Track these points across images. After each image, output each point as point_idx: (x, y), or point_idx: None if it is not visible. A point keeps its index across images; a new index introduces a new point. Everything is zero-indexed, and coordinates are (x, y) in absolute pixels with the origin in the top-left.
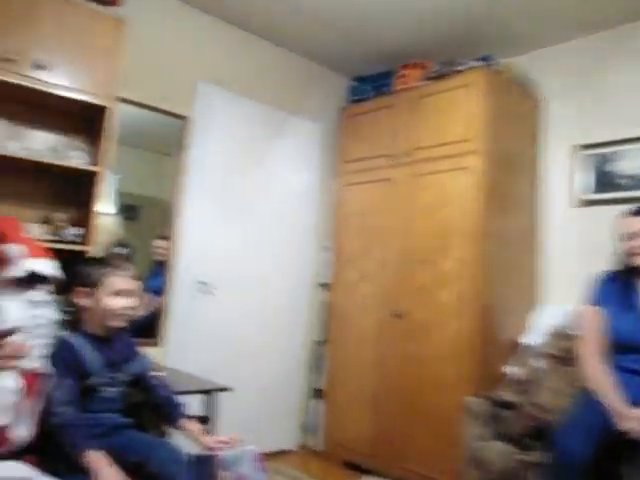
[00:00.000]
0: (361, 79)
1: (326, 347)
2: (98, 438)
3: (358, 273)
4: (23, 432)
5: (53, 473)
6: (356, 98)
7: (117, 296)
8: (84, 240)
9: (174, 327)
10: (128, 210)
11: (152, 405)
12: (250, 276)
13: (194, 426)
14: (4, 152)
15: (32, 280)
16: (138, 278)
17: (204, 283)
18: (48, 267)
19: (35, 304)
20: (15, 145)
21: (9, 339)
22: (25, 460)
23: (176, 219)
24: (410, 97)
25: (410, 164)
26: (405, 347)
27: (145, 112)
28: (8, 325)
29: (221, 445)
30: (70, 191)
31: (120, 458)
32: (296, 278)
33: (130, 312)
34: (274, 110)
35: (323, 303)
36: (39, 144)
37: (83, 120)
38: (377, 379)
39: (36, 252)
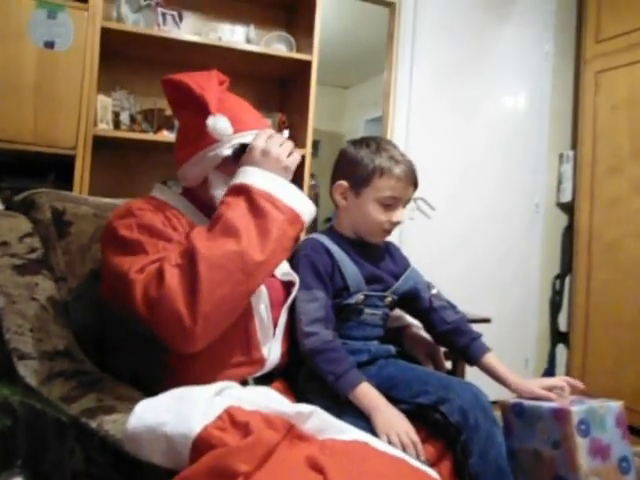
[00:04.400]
0: None
1: (572, 282)
2: (363, 369)
3: (627, 184)
4: (275, 351)
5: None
6: None
7: (386, 205)
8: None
9: None
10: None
11: (438, 333)
12: (472, 196)
13: (503, 366)
14: (206, 41)
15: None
16: (414, 178)
17: (423, 200)
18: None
19: None
20: (213, 37)
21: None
22: (273, 386)
23: (385, 127)
24: None
25: None
26: None
27: (330, 38)
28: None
29: (550, 395)
30: (274, 95)
31: (393, 396)
32: (527, 197)
33: (395, 228)
34: None
35: (564, 228)
36: (237, 37)
37: (280, 10)
38: None
39: (249, 123)
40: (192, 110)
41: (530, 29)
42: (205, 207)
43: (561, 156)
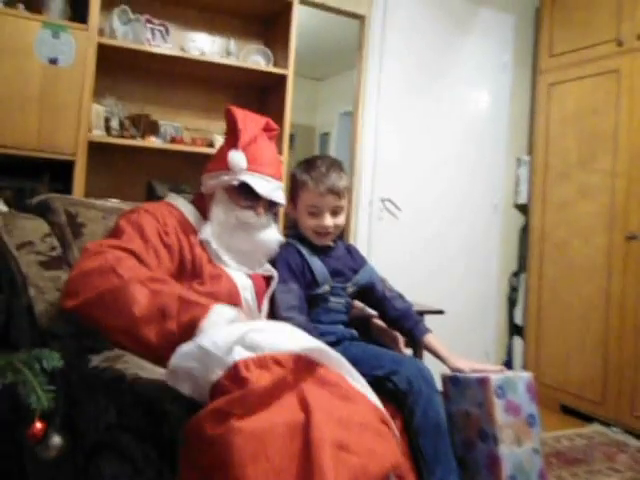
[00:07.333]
0: None
1: (526, 279)
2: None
3: (575, 188)
4: None
5: None
6: None
7: (312, 213)
8: None
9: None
10: None
11: (389, 319)
12: (436, 197)
13: (441, 345)
14: (189, 56)
15: (249, 194)
16: (344, 190)
17: (389, 201)
18: (263, 186)
19: (242, 225)
20: (192, 46)
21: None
22: None
23: (355, 133)
24: None
25: None
26: None
27: (304, 34)
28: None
29: (477, 369)
30: (252, 103)
31: (358, 370)
32: (487, 199)
33: (331, 231)
34: (460, 2)
35: (521, 228)
36: (218, 49)
37: (259, 23)
38: (605, 316)
39: (262, 168)
40: (231, 136)
41: (491, 41)
42: (206, 213)
43: (518, 160)
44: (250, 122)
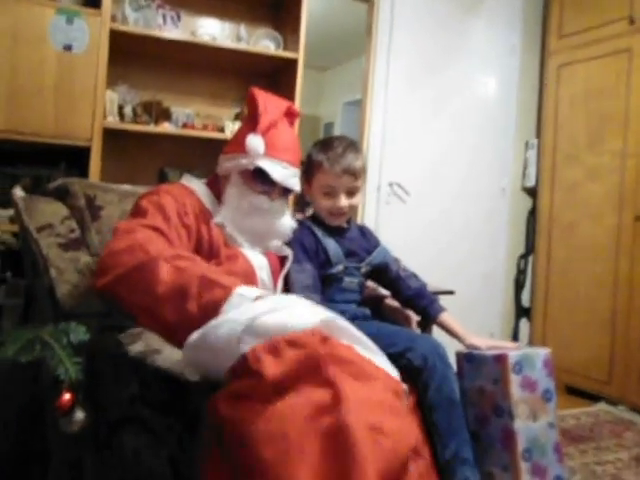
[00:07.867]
0: None
1: (534, 260)
2: None
3: (583, 170)
4: None
5: None
6: None
7: (327, 194)
8: None
9: None
10: None
11: (403, 298)
12: (444, 181)
13: (456, 323)
14: (200, 41)
15: (265, 179)
16: (361, 170)
17: (398, 185)
18: (279, 172)
19: (256, 211)
20: (202, 32)
21: None
22: None
23: (364, 117)
24: None
25: None
26: None
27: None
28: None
29: (494, 346)
30: (262, 87)
31: None
32: (494, 182)
33: (346, 212)
34: None
35: (529, 211)
36: (228, 35)
37: (268, 7)
38: (613, 296)
39: (279, 154)
40: (251, 119)
41: (499, 24)
42: (220, 195)
43: (526, 144)
44: (271, 106)
